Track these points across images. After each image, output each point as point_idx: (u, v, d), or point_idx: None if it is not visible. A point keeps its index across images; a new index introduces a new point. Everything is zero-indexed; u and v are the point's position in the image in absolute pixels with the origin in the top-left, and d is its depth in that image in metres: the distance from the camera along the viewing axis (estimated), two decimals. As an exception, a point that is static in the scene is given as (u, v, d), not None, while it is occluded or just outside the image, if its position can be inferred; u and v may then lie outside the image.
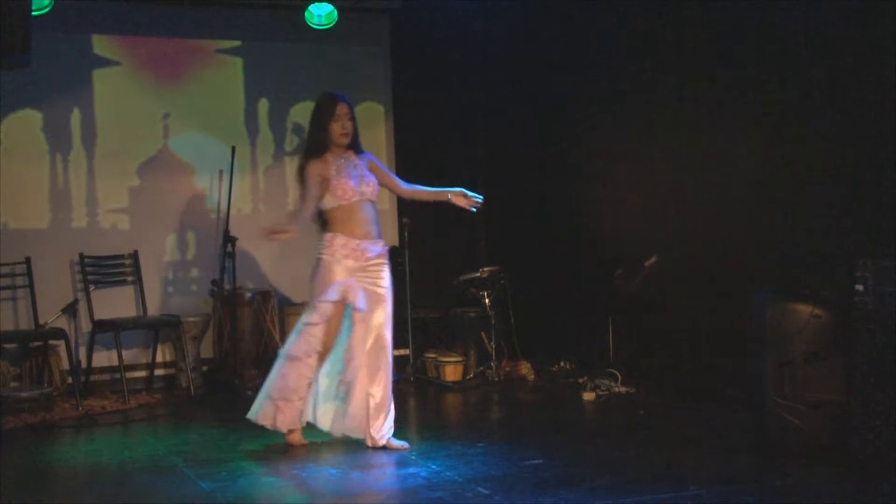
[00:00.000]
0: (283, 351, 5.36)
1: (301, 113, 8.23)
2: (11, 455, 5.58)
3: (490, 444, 5.37)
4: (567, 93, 7.58)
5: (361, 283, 5.24)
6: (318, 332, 5.23)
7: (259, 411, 5.36)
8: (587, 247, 7.41)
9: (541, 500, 4.31)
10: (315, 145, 5.33)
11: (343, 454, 5.30)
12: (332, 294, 5.20)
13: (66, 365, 7.26)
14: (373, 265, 5.30)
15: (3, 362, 6.87)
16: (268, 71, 8.14)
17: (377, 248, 5.33)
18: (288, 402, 5.29)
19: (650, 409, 6.12)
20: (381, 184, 5.49)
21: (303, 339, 5.26)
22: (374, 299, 5.26)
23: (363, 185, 5.32)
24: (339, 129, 5.30)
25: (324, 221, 5.35)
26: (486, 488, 4.67)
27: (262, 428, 5.39)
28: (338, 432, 5.32)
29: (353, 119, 5.35)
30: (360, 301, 5.20)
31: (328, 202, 5.28)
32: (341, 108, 5.31)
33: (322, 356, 5.28)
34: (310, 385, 5.30)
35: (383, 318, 5.28)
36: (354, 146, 5.41)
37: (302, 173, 5.33)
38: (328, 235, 5.28)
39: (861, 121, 5.28)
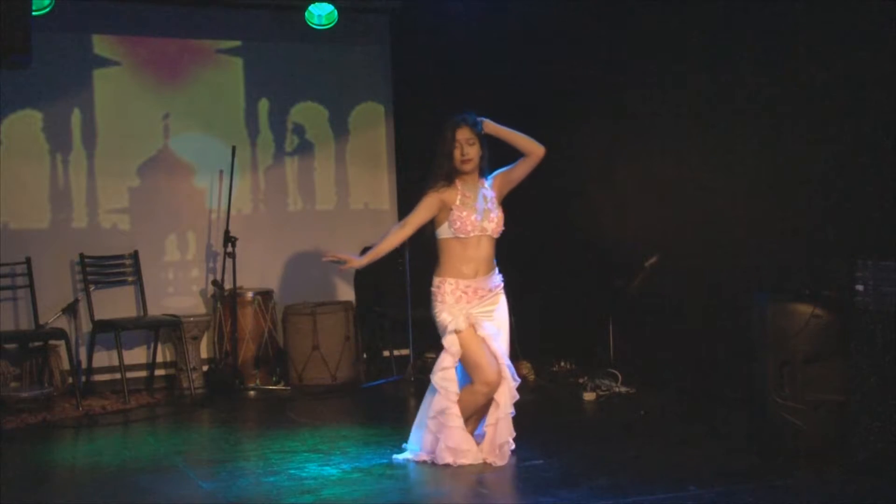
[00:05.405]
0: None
1: (301, 113, 8.23)
2: (11, 455, 5.58)
3: (490, 444, 5.36)
4: (567, 92, 7.57)
5: (480, 316, 5.04)
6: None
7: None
8: (587, 246, 7.40)
9: (541, 500, 4.32)
10: (441, 171, 5.04)
11: (343, 455, 5.30)
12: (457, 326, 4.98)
13: (66, 365, 7.25)
14: (489, 299, 5.10)
15: (3, 362, 6.86)
16: (268, 71, 8.13)
17: (492, 283, 5.12)
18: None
19: (650, 409, 6.12)
20: (514, 181, 5.23)
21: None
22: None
23: (486, 220, 5.05)
24: (458, 155, 5.00)
25: (436, 250, 5.12)
26: (486, 488, 4.67)
27: (262, 428, 5.38)
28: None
29: (476, 143, 5.03)
30: (484, 328, 5.03)
31: (444, 231, 5.04)
32: (461, 133, 5.00)
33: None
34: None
35: (504, 346, 5.11)
36: (481, 170, 5.12)
37: (422, 197, 5.05)
38: (437, 280, 5.07)
39: (861, 121, 5.28)
